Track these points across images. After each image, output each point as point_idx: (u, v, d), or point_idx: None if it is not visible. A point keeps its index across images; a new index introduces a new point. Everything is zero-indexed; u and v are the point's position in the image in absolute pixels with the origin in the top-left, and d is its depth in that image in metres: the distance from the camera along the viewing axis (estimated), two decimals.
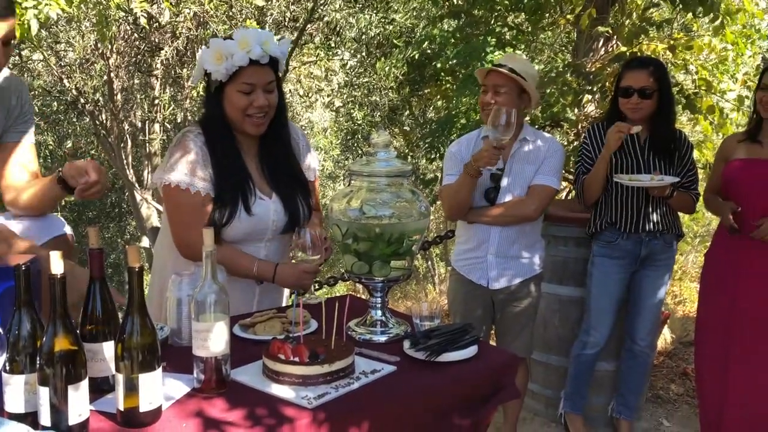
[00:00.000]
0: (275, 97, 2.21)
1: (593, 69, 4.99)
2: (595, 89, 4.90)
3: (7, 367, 1.32)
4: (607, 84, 4.80)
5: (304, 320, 1.90)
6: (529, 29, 6.04)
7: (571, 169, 4.83)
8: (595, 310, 3.22)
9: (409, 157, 9.11)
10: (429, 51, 6.23)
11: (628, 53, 4.74)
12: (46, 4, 2.32)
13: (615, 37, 5.17)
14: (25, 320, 1.33)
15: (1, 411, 1.33)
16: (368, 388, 1.59)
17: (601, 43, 5.27)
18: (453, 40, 5.73)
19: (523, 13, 5.83)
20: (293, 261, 2.20)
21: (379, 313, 1.98)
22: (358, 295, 2.81)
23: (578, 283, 3.45)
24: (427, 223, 2.05)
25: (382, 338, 1.92)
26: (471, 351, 1.79)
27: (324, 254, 2.17)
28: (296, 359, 1.58)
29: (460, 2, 6.18)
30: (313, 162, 2.45)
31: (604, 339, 3.23)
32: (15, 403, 1.33)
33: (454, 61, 5.51)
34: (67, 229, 2.09)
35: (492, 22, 5.79)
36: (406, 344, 1.79)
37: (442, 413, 1.67)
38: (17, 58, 7.19)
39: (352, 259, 1.96)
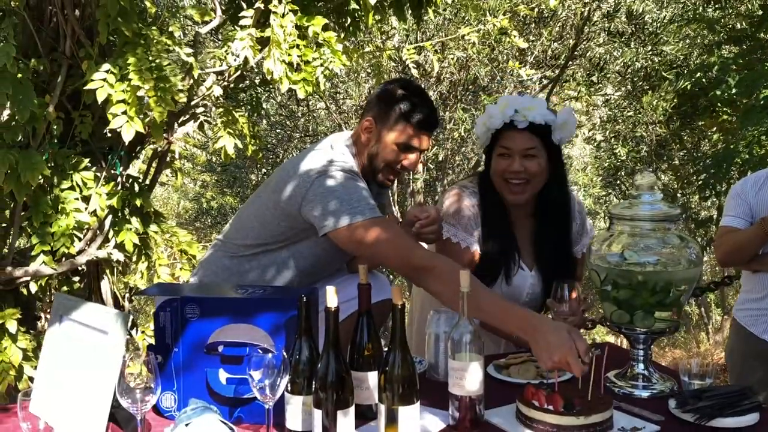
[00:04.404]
0: (536, 165, 2.19)
1: None
2: None
3: (289, 388, 1.49)
4: None
5: None
6: None
7: None
8: None
9: (678, 194, 8.45)
10: (703, 80, 5.77)
11: None
12: (331, 61, 2.62)
13: None
14: (305, 346, 1.50)
15: (282, 427, 1.50)
16: None
17: None
18: (734, 67, 5.24)
19: None
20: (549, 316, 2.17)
21: (642, 366, 1.86)
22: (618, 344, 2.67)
23: None
24: (699, 273, 1.89)
25: (645, 394, 1.80)
26: (751, 418, 1.59)
27: (580, 315, 2.13)
28: (551, 407, 1.55)
29: (742, 26, 5.65)
30: (586, 238, 2.41)
31: None
32: (294, 420, 1.49)
33: (735, 90, 5.03)
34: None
35: None
36: (672, 403, 1.66)
37: None
38: (305, 108, 8.13)
39: (612, 307, 1.87)
